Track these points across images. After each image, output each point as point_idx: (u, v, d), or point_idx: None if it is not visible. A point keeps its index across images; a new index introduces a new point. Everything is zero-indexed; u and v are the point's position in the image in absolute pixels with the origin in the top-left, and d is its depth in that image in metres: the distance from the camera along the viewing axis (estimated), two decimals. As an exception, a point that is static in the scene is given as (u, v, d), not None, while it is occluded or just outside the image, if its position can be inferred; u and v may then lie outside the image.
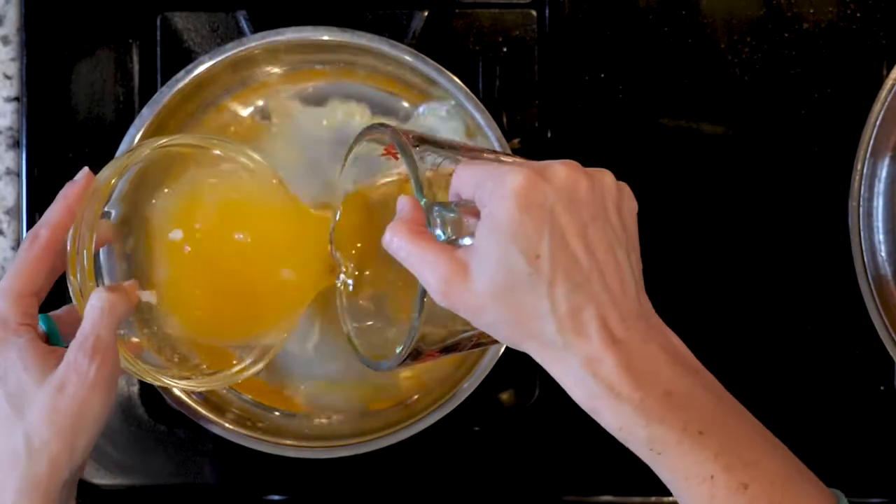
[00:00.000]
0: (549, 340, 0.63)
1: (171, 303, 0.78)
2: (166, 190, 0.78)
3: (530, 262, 0.62)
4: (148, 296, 0.77)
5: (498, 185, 0.62)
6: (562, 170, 0.63)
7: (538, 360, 0.64)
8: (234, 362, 0.80)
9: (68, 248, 0.72)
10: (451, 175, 0.67)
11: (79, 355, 0.69)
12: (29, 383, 0.69)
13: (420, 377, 0.85)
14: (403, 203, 0.67)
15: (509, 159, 0.69)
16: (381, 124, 0.71)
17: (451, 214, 0.65)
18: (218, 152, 0.78)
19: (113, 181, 0.73)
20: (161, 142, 0.76)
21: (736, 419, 0.65)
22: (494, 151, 0.71)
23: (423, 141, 0.69)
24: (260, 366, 0.80)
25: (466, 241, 0.64)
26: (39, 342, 0.71)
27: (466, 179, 0.65)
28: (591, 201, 0.63)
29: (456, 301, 0.64)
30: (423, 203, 0.66)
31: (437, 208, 0.65)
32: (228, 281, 0.78)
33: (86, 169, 0.75)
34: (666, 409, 0.63)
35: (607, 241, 0.64)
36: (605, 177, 0.65)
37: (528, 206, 0.62)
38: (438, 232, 0.65)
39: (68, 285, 0.73)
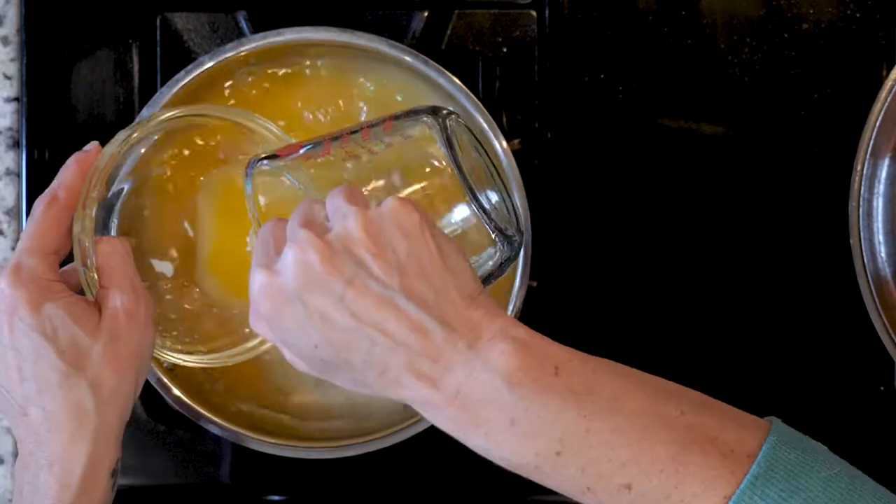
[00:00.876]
0: (391, 397, 0.62)
1: (198, 272, 0.81)
2: (191, 160, 0.81)
3: (312, 354, 0.62)
4: (165, 266, 0.78)
5: (250, 290, 0.63)
6: (289, 257, 0.61)
7: None
8: (245, 339, 0.81)
9: (78, 205, 0.73)
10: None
11: (125, 299, 0.71)
12: (82, 337, 0.70)
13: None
14: None
15: (361, 143, 0.69)
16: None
17: None
18: (241, 122, 0.79)
19: (121, 150, 0.75)
20: (173, 113, 0.77)
21: (606, 416, 0.60)
22: (362, 127, 0.70)
23: (273, 157, 0.70)
24: (268, 344, 0.80)
25: None
26: (77, 296, 0.72)
27: None
28: (334, 268, 0.60)
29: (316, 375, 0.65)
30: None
31: None
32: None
33: (95, 143, 0.76)
34: (514, 439, 0.60)
35: (374, 296, 0.60)
36: (347, 224, 0.61)
37: (276, 307, 0.61)
38: None
39: (74, 238, 0.73)
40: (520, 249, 0.69)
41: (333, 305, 0.60)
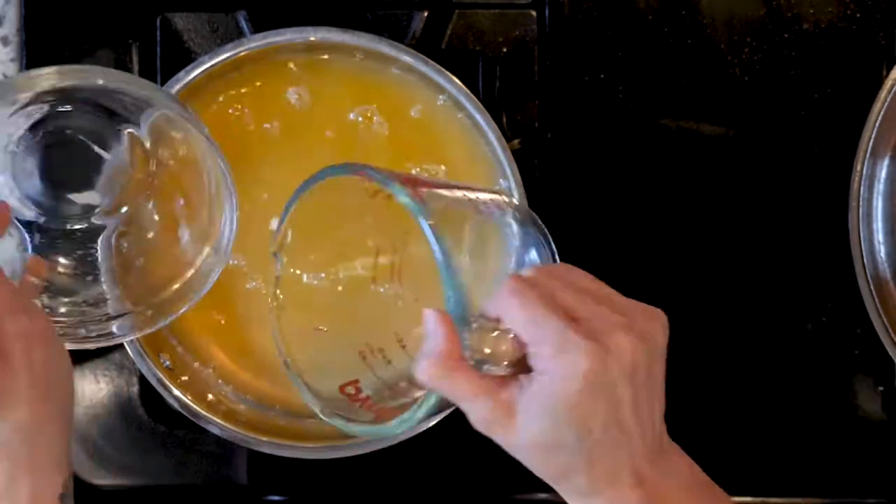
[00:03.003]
0: (578, 490, 0.63)
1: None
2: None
3: (581, 437, 0.62)
4: None
5: (561, 363, 0.61)
6: (627, 346, 0.62)
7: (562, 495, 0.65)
8: None
9: None
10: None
11: (12, 323, 0.66)
12: None
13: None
14: (434, 326, 0.63)
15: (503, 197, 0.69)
16: (364, 167, 0.66)
17: (492, 334, 0.62)
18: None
19: None
20: None
21: None
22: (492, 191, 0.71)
23: (419, 184, 0.65)
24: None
25: (503, 370, 0.62)
26: None
27: (518, 320, 0.62)
28: (646, 372, 0.62)
29: (495, 436, 0.64)
30: (452, 314, 0.62)
31: (475, 326, 0.62)
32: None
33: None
34: None
35: (650, 400, 0.63)
36: (657, 334, 0.64)
37: (591, 389, 0.61)
38: (468, 354, 0.62)
39: None
40: None
41: (631, 403, 0.62)
